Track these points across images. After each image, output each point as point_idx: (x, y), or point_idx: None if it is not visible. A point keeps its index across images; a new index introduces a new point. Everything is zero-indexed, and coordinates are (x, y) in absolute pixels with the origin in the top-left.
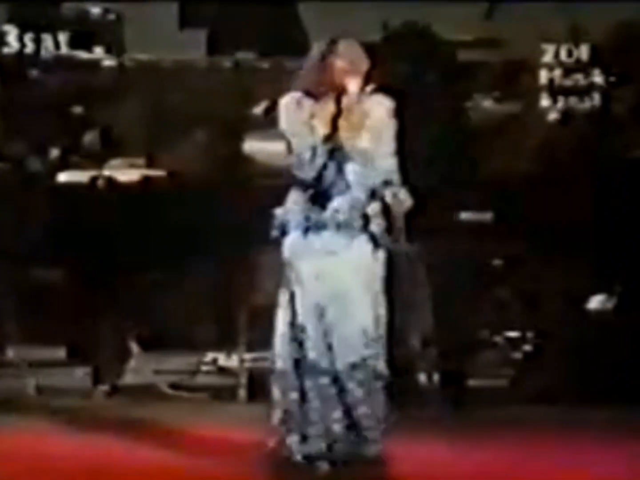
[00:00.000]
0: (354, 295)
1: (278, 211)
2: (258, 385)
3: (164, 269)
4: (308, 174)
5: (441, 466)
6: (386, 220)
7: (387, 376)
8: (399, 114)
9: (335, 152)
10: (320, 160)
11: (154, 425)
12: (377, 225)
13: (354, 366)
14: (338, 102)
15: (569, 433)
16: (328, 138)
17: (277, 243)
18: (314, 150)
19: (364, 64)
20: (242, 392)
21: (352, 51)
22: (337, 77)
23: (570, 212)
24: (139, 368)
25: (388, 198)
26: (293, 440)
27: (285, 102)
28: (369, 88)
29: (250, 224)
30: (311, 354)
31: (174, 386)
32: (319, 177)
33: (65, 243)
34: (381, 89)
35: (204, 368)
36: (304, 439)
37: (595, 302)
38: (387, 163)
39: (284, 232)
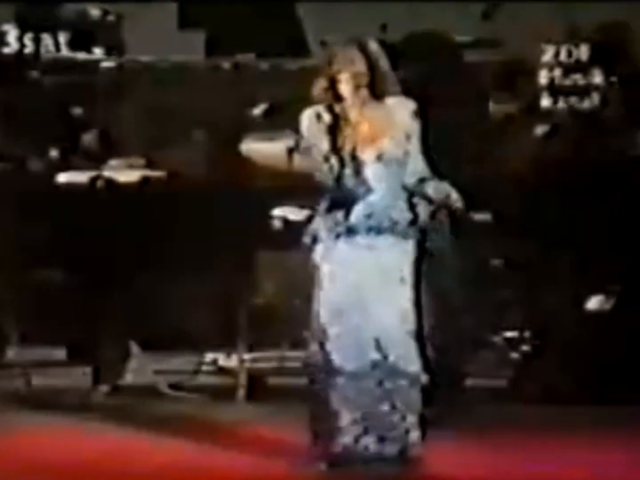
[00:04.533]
0: (379, 296)
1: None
2: (258, 385)
3: (164, 269)
4: (330, 181)
5: (440, 466)
6: (433, 219)
7: (413, 374)
8: (422, 114)
9: (353, 160)
10: (336, 169)
11: (154, 424)
12: (424, 224)
13: (374, 365)
14: (345, 110)
15: (568, 433)
16: (337, 147)
17: (278, 244)
18: (327, 159)
19: (360, 69)
20: (242, 392)
21: (347, 59)
22: (336, 86)
23: (569, 212)
24: (139, 368)
25: (435, 195)
26: (314, 439)
27: (307, 114)
28: (387, 95)
29: (249, 224)
30: (332, 355)
31: (173, 386)
32: (342, 184)
33: (65, 243)
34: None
35: (204, 368)
36: (319, 437)
37: (593, 303)
38: (417, 163)
39: (315, 240)
